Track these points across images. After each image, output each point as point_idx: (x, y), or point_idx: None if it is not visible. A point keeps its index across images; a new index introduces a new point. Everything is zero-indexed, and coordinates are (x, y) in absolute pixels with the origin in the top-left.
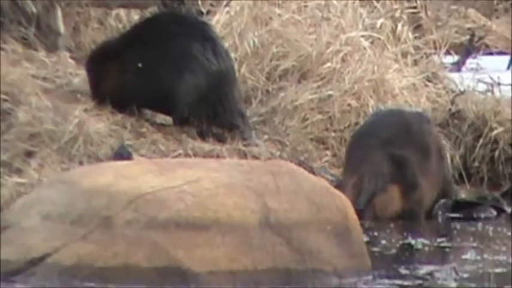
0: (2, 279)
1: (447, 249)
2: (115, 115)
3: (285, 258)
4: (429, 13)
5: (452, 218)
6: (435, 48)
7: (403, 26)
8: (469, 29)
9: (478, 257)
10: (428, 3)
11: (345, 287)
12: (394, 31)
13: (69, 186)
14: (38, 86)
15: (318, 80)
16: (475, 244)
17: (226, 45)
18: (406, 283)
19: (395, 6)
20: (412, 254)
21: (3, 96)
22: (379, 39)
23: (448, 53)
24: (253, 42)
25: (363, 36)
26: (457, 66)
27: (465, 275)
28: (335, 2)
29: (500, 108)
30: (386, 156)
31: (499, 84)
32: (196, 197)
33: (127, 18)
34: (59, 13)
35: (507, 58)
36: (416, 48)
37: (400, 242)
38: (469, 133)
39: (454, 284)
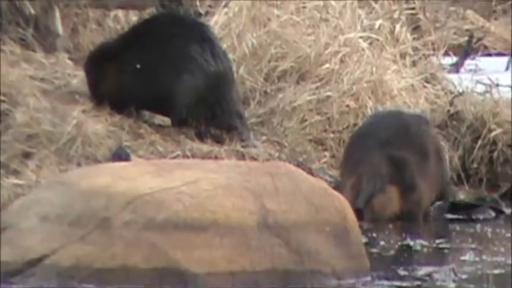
0: (1, 280)
1: (446, 251)
2: (113, 116)
3: (283, 259)
4: (427, 14)
5: (451, 219)
6: (434, 49)
7: (401, 27)
8: (467, 30)
9: (477, 258)
10: (426, 5)
11: None
12: (392, 32)
13: (67, 188)
14: (36, 87)
15: (316, 81)
16: (473, 245)
17: (225, 46)
18: (404, 284)
19: (393, 8)
20: (411, 255)
21: (1, 97)
22: (378, 40)
23: (446, 54)
24: (252, 43)
25: (361, 37)
26: (456, 68)
27: (464, 276)
28: (333, 3)
29: (498, 110)
30: (384, 157)
31: (497, 85)
32: (195, 198)
33: (125, 19)
34: (57, 14)
35: (506, 59)
36: (415, 49)
37: (399, 243)
38: (468, 134)
39: (452, 285)
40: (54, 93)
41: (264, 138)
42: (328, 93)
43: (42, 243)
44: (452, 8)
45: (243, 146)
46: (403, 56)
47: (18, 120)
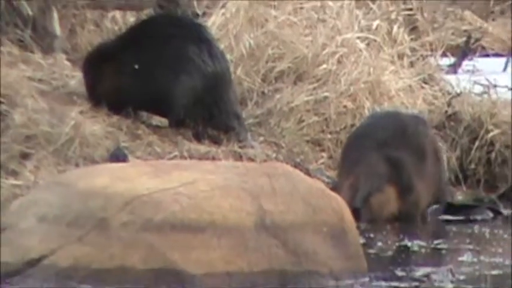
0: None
1: (443, 251)
2: (111, 117)
3: (280, 260)
4: (425, 15)
5: (449, 220)
6: (431, 50)
7: (399, 27)
8: (465, 31)
9: (475, 259)
10: (424, 5)
11: None
12: (390, 33)
13: (65, 188)
14: (34, 88)
15: (313, 81)
16: (471, 246)
17: (222, 47)
18: (402, 285)
19: (391, 8)
20: (409, 256)
21: None
22: (375, 41)
23: (444, 54)
24: (249, 44)
25: (358, 37)
26: (453, 68)
27: (462, 277)
28: (331, 3)
29: (496, 110)
30: (382, 157)
31: (495, 86)
32: (192, 199)
33: (123, 20)
34: (55, 15)
35: (503, 60)
36: (413, 50)
37: (397, 244)
38: (465, 135)
39: (450, 286)
40: (52, 94)
41: (261, 138)
42: (326, 94)
43: (41, 243)
44: (450, 9)
45: (240, 147)
46: (400, 56)
47: (16, 121)
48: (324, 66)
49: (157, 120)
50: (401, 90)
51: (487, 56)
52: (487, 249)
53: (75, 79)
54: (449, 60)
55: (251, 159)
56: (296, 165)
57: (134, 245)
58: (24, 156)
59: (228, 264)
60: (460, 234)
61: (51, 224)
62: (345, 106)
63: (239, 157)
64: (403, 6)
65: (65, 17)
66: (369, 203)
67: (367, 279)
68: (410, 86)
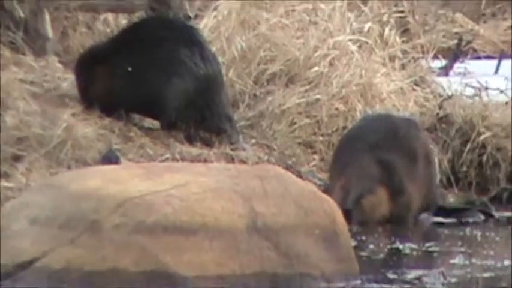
0: None
1: (435, 254)
2: (103, 119)
3: (272, 263)
4: (417, 17)
5: (441, 223)
6: (423, 52)
7: (390, 30)
8: (456, 33)
9: (466, 262)
10: (415, 7)
11: None
12: (381, 35)
13: (57, 190)
14: (26, 90)
15: (305, 84)
16: (463, 249)
17: (214, 49)
18: (394, 287)
19: (382, 11)
20: (400, 258)
21: None
22: (367, 43)
23: (435, 57)
24: (241, 46)
25: (350, 40)
26: (445, 71)
27: (453, 280)
28: (322, 6)
29: (488, 113)
30: (373, 160)
31: (486, 88)
32: (184, 201)
33: (115, 22)
34: (47, 17)
35: (495, 62)
36: (404, 52)
37: (388, 247)
38: (457, 137)
39: None
40: (44, 97)
41: (253, 141)
42: (317, 96)
43: (33, 246)
44: (441, 11)
45: (232, 149)
46: (392, 59)
47: (8, 123)
48: (316, 68)
49: (149, 122)
50: (393, 92)
51: (479, 58)
52: (479, 252)
53: (67, 81)
54: (441, 62)
55: (243, 162)
56: (288, 168)
57: (126, 247)
58: (16, 158)
59: (219, 267)
60: (452, 236)
61: (43, 226)
62: (336, 108)
63: (231, 159)
64: (394, 9)
65: (57, 19)
66: (361, 204)
67: (358, 281)
68: (401, 88)
